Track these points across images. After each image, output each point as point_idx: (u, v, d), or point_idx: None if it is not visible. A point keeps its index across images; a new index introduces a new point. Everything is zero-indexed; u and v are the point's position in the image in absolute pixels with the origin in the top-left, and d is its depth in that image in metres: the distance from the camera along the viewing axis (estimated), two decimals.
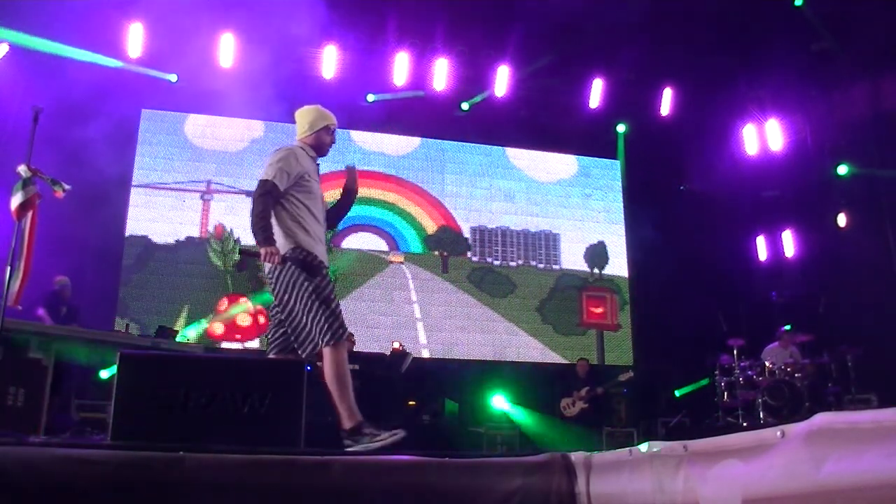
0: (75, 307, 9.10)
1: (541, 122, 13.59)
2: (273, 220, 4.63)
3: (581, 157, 14.54)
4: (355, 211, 12.71)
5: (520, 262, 13.68)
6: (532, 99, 13.24)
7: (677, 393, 12.73)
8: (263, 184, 4.65)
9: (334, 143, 5.22)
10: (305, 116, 5.28)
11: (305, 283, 4.51)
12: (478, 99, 13.03)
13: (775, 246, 13.63)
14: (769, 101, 13.19)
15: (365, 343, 11.39)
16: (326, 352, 4.46)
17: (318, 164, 5.06)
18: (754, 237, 13.95)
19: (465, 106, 13.24)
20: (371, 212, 13.10)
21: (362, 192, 12.80)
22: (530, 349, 13.16)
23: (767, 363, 10.13)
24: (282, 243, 4.63)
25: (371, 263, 12.87)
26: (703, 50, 11.97)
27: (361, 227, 13.01)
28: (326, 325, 4.44)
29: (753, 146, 13.45)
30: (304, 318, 4.51)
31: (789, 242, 13.27)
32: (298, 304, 4.53)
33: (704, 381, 11.52)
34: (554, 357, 13.12)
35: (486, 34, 12.10)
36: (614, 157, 14.65)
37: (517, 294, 13.47)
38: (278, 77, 12.01)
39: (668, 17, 11.13)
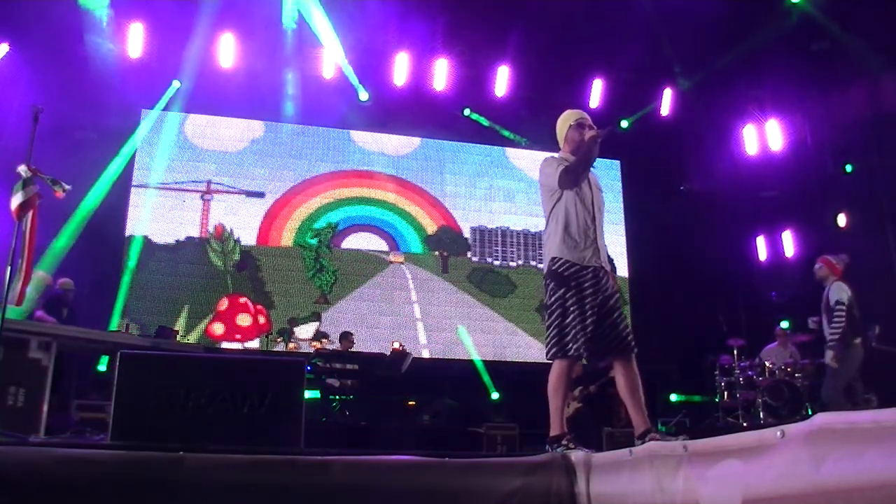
0: (75, 311, 9.07)
1: (541, 121, 13.57)
2: (546, 229, 4.85)
3: None
4: (355, 211, 12.88)
5: (520, 262, 13.67)
6: (532, 99, 13.22)
7: (673, 398, 12.77)
8: (558, 177, 4.73)
9: (596, 137, 4.87)
10: (557, 126, 5.18)
11: (552, 294, 4.64)
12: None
13: (775, 246, 13.62)
14: (769, 101, 13.18)
15: (365, 343, 11.41)
16: (554, 362, 4.60)
17: (585, 176, 4.90)
18: (754, 237, 13.94)
19: (467, 111, 13.33)
20: (371, 212, 13.11)
21: (362, 192, 12.93)
22: (530, 349, 13.14)
23: (767, 363, 10.12)
24: (545, 254, 4.81)
25: (371, 263, 12.87)
26: (703, 50, 11.97)
27: (362, 227, 13.01)
28: (553, 339, 4.57)
29: (753, 146, 13.45)
30: (548, 324, 4.67)
31: (789, 242, 13.26)
32: (548, 310, 4.68)
33: (696, 398, 11.54)
34: None
35: (487, 34, 12.09)
36: (615, 158, 14.64)
37: (517, 294, 13.47)
38: (278, 77, 12.04)
39: (668, 17, 11.13)
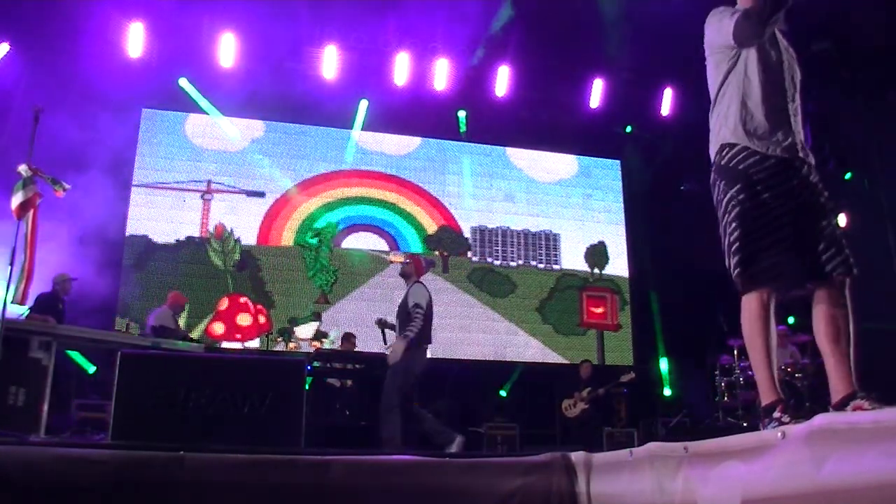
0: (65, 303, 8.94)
1: (541, 121, 13.57)
2: (713, 109, 3.55)
3: (581, 157, 14.52)
4: (356, 211, 12.88)
5: (520, 262, 13.67)
6: (532, 99, 13.21)
7: (667, 391, 12.85)
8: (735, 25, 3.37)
9: None
10: None
11: (722, 196, 3.36)
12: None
13: None
14: None
15: (365, 343, 11.37)
16: (742, 298, 3.34)
17: (773, 26, 3.44)
18: None
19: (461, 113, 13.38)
20: (371, 212, 13.11)
21: (362, 191, 12.92)
22: (530, 349, 13.15)
23: None
24: (712, 142, 3.54)
25: (371, 263, 12.86)
26: (702, 49, 11.91)
27: (362, 227, 13.02)
28: (735, 260, 3.30)
29: None
30: (726, 242, 3.34)
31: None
32: (722, 221, 3.37)
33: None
34: (554, 357, 13.10)
35: (487, 34, 12.06)
36: (615, 158, 14.64)
37: (517, 294, 13.46)
38: (279, 77, 12.03)
39: (669, 17, 11.10)
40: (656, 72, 12.93)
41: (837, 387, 3.16)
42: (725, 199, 3.30)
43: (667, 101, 13.31)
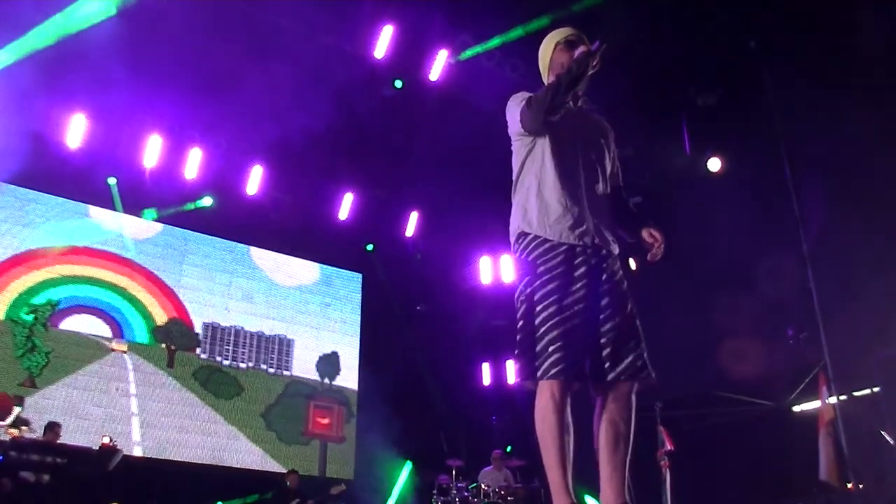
0: None
1: (289, 225, 13.53)
2: (514, 196, 3.42)
3: (325, 265, 14.63)
4: (82, 291, 11.99)
5: (250, 364, 13.32)
6: (283, 201, 13.16)
7: None
8: (520, 114, 3.31)
9: (588, 52, 3.20)
10: (540, 53, 3.56)
11: (520, 285, 3.25)
12: None
13: (499, 373, 14.30)
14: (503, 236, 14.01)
15: (72, 435, 10.47)
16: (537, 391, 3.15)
17: (579, 97, 3.45)
18: (481, 363, 14.57)
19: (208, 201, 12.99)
20: (99, 294, 12.22)
21: (92, 271, 12.11)
22: (251, 455, 12.69)
23: (483, 485, 10.43)
24: (511, 231, 3.40)
25: (90, 349, 11.91)
26: (443, 180, 12.38)
27: (86, 309, 12.07)
28: (522, 356, 3.19)
29: (488, 276, 14.21)
30: (517, 336, 3.23)
31: (512, 370, 13.98)
32: (516, 313, 3.26)
33: None
34: (273, 466, 12.70)
35: (241, 130, 11.78)
36: (357, 271, 14.88)
37: (243, 397, 13.02)
38: (19, 142, 11.12)
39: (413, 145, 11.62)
40: (407, 192, 13.40)
41: (609, 497, 3.04)
42: (517, 292, 3.24)
43: (412, 224, 13.80)
